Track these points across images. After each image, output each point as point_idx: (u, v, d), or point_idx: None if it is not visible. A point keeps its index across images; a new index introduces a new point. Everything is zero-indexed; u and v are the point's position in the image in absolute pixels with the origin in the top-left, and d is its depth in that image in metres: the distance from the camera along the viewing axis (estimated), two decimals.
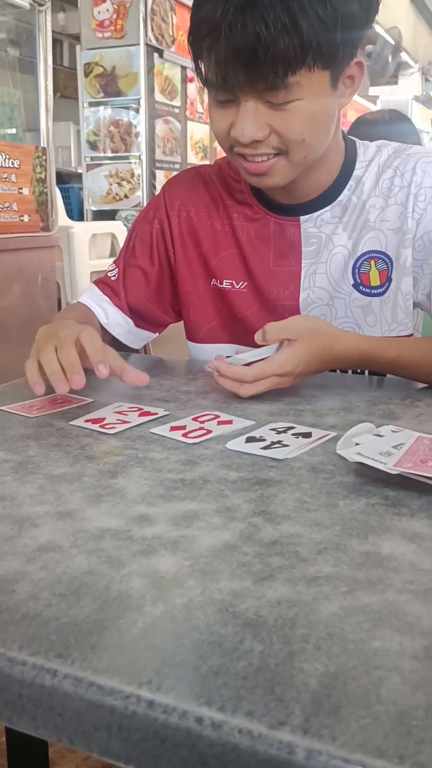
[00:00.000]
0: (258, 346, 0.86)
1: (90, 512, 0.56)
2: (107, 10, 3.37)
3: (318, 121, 0.86)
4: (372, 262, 1.00)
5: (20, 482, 0.62)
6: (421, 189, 0.97)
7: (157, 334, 1.19)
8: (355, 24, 0.81)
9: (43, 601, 0.43)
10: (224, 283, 1.06)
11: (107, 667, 0.37)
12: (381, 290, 1.01)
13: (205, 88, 0.89)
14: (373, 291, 1.01)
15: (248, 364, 0.85)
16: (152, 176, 3.60)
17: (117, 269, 1.12)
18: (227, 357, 0.88)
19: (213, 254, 1.07)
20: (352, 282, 1.01)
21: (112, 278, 1.12)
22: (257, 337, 0.85)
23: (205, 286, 1.08)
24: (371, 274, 1.00)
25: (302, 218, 1.02)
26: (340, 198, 1.01)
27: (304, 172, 0.94)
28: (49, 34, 2.71)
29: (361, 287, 1.01)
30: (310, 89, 0.82)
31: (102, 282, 1.13)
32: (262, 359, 0.84)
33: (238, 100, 0.84)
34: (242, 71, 0.79)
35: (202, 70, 0.85)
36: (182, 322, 1.16)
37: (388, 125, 1.92)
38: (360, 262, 1.01)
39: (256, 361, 0.84)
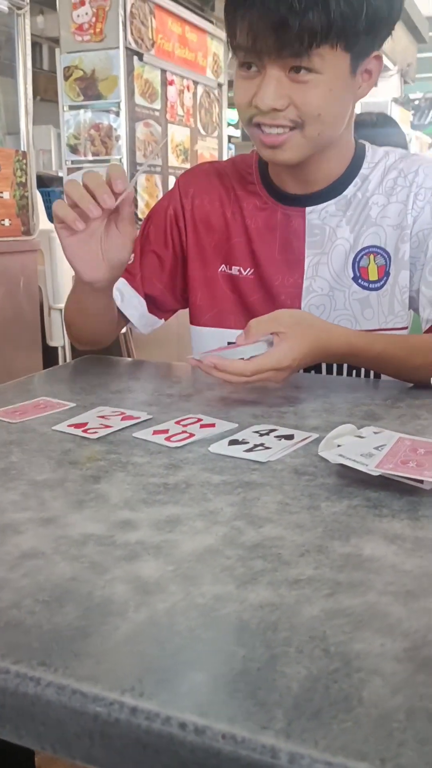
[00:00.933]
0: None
1: (73, 518, 0.56)
2: (86, 14, 3.35)
3: (334, 100, 0.91)
4: (371, 256, 1.04)
5: (3, 488, 0.61)
6: (422, 189, 1.02)
7: (163, 321, 1.20)
8: (379, 15, 0.87)
9: (26, 609, 0.43)
10: (233, 269, 1.09)
11: (90, 675, 0.37)
12: (378, 285, 1.04)
13: (232, 56, 0.94)
14: (371, 285, 1.04)
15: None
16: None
17: (133, 255, 1.13)
18: (212, 351, 0.88)
19: (224, 241, 1.10)
20: (352, 275, 1.04)
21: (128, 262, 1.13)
22: (238, 339, 0.86)
23: (214, 271, 1.11)
24: (370, 268, 1.04)
25: (307, 209, 1.05)
26: (345, 193, 1.05)
27: (316, 159, 0.98)
28: (28, 37, 2.70)
29: (360, 281, 1.04)
30: (331, 67, 0.88)
31: None
32: (256, 356, 0.84)
33: (264, 70, 0.89)
34: (272, 36, 0.85)
35: (232, 36, 0.90)
36: (180, 311, 1.19)
37: (374, 128, 1.93)
38: (360, 256, 1.04)
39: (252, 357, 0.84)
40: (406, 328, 1.06)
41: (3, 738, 0.38)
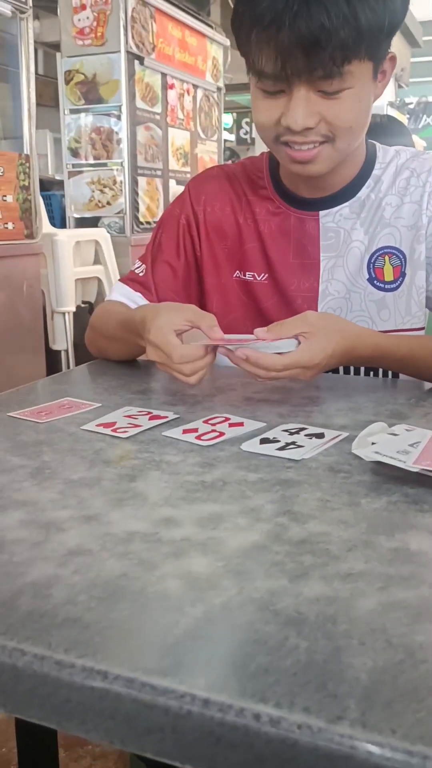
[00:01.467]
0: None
1: (114, 516, 0.56)
2: (87, 18, 3.36)
3: (363, 110, 0.91)
4: (386, 257, 1.04)
5: (39, 487, 0.61)
6: None
7: None
8: (396, 17, 0.86)
9: (82, 605, 0.43)
10: (247, 275, 1.09)
11: (157, 668, 0.37)
12: (394, 285, 1.04)
13: (249, 78, 0.91)
14: (386, 286, 1.04)
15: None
16: (134, 183, 3.60)
17: (144, 265, 1.13)
18: (232, 340, 0.87)
19: (237, 247, 1.10)
20: (367, 276, 1.04)
21: (140, 274, 1.13)
22: (259, 333, 0.85)
23: (228, 278, 1.10)
24: (385, 269, 1.04)
25: (321, 213, 1.05)
26: (358, 195, 1.04)
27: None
28: (31, 41, 2.70)
29: (375, 282, 1.04)
30: (359, 78, 0.87)
31: (130, 279, 1.14)
32: (281, 353, 0.84)
33: (291, 90, 0.86)
34: (302, 59, 0.82)
35: (254, 62, 0.86)
36: None
37: (383, 129, 1.93)
38: (375, 257, 1.04)
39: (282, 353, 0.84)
40: (423, 328, 1.06)
41: (68, 732, 0.38)
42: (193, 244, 1.12)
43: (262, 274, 1.08)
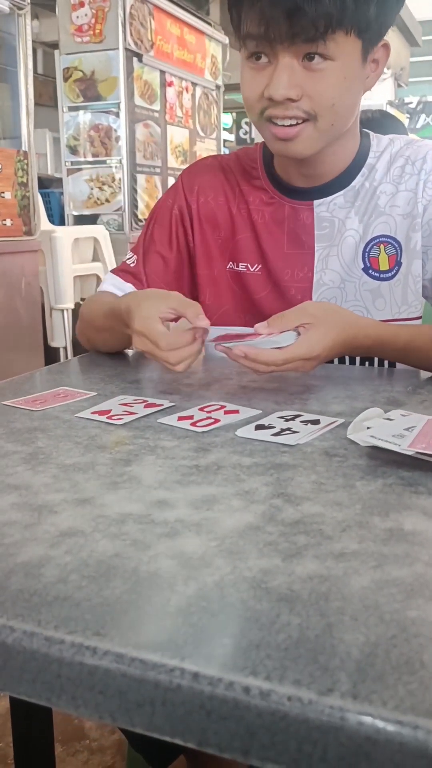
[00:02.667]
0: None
1: (108, 498, 0.55)
2: (85, 15, 3.36)
3: (347, 89, 0.90)
4: (381, 246, 1.03)
5: (33, 472, 0.61)
6: (431, 176, 1.01)
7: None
8: (388, 1, 0.86)
9: (73, 584, 0.43)
10: (240, 266, 1.08)
11: (147, 643, 0.37)
12: (390, 275, 1.03)
13: (239, 48, 0.91)
14: (382, 275, 1.03)
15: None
16: (133, 180, 3.60)
17: (135, 256, 1.13)
18: (231, 335, 0.87)
19: (230, 237, 1.09)
20: (362, 266, 1.03)
21: (131, 265, 1.12)
22: (260, 329, 0.85)
23: (221, 269, 1.10)
24: (380, 258, 1.03)
25: (315, 202, 1.04)
26: (353, 183, 1.03)
27: (324, 151, 0.96)
28: (29, 38, 2.70)
29: (370, 271, 1.03)
30: (344, 54, 0.86)
31: (121, 270, 1.13)
32: (281, 347, 0.83)
33: (275, 59, 0.87)
34: (285, 23, 0.82)
35: (242, 26, 0.87)
36: None
37: (377, 124, 1.93)
38: (370, 246, 1.03)
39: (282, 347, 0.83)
40: (419, 317, 1.06)
41: (59, 708, 0.38)
42: (185, 235, 1.11)
43: (255, 265, 1.07)
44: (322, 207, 1.04)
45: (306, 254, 1.05)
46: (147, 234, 1.13)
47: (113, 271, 1.15)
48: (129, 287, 1.10)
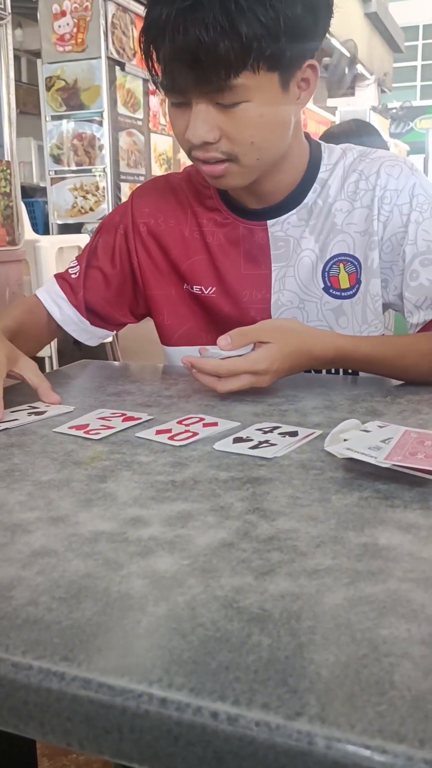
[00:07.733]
0: None
1: (82, 516, 0.55)
2: (67, 24, 3.37)
3: (267, 124, 0.87)
4: (341, 265, 1.01)
5: (8, 489, 0.61)
6: (386, 192, 0.98)
7: (114, 332, 1.20)
8: (301, 26, 0.82)
9: (43, 606, 0.42)
10: (195, 288, 1.07)
11: (115, 668, 0.36)
12: (351, 292, 1.02)
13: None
14: (343, 294, 1.02)
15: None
16: (117, 189, 3.60)
17: (78, 267, 1.12)
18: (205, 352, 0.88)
19: (182, 260, 1.07)
20: (323, 285, 1.02)
21: (73, 275, 1.12)
22: (221, 342, 0.84)
23: (177, 289, 1.08)
24: (341, 277, 1.01)
25: (269, 222, 1.03)
26: (305, 201, 1.02)
27: (268, 173, 0.95)
28: (11, 47, 2.70)
29: (331, 290, 1.02)
30: (258, 91, 0.84)
31: (62, 278, 1.13)
32: (238, 355, 0.84)
33: (190, 102, 0.85)
34: (188, 74, 0.81)
35: (154, 77, 0.87)
36: (153, 328, 1.15)
37: (357, 136, 1.94)
38: (329, 265, 1.02)
39: (231, 357, 0.84)
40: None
41: (26, 735, 0.37)
42: (129, 257, 1.09)
43: (210, 288, 1.06)
44: (276, 227, 1.02)
45: (263, 275, 1.03)
46: (92, 246, 1.13)
47: (56, 276, 1.14)
48: (62, 298, 1.10)
